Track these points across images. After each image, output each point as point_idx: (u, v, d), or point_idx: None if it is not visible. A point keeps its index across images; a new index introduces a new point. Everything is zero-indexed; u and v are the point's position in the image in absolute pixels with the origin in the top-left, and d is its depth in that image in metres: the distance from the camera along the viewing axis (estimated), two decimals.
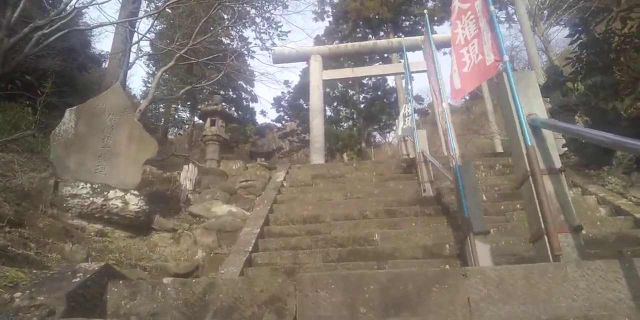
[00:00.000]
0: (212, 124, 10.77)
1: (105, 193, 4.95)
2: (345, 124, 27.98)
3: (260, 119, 28.74)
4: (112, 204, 4.91)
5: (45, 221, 4.37)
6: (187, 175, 6.59)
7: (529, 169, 2.44)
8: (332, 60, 17.29)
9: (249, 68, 24.06)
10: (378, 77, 24.76)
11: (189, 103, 23.95)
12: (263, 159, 11.17)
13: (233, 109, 26.74)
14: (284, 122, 28.89)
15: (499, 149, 17.19)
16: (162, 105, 24.14)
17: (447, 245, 4.65)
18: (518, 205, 5.68)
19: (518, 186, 2.60)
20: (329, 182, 7.31)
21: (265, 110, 41.72)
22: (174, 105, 25.19)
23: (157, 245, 5.08)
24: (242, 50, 21.52)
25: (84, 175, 5.09)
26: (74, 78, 13.85)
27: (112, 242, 4.76)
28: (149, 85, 25.05)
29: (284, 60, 12.83)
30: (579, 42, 7.09)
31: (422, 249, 4.65)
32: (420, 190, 6.33)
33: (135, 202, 5.04)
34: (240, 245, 4.89)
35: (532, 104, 2.62)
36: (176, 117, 26.13)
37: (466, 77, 3.17)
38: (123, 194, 5.04)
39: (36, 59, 12.23)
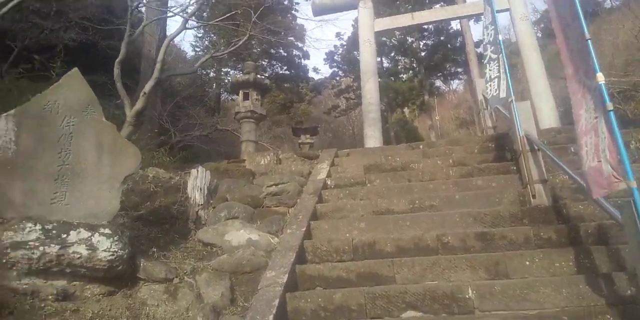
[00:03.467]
0: (245, 97, 9.03)
1: (64, 236, 3.41)
2: (405, 76, 25.23)
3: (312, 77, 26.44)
4: (72, 252, 3.38)
5: None
6: (196, 184, 4.95)
7: None
8: (385, 6, 14.66)
9: (297, 23, 21.86)
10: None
11: (239, 66, 22.36)
12: (308, 136, 9.37)
13: (285, 68, 24.87)
14: (338, 78, 26.71)
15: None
16: (212, 70, 22.84)
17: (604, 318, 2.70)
18: None
19: None
20: (387, 178, 5.38)
21: (317, 67, 39.42)
22: (224, 69, 23.77)
23: (145, 304, 3.55)
24: (278, 4, 19.24)
25: (36, 209, 3.57)
26: (103, 52, 12.45)
27: (76, 311, 3.27)
28: (197, 49, 23.54)
29: (326, 11, 10.59)
30: None
31: None
32: (526, 195, 4.27)
33: (106, 246, 3.48)
34: (257, 311, 3.22)
35: None
36: (226, 81, 24.71)
37: None
38: (89, 234, 3.49)
39: (50, 33, 10.94)
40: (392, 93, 21.97)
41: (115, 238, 3.56)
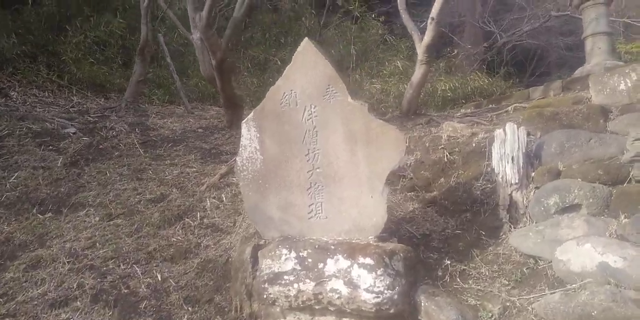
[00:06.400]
0: None
1: (320, 266, 2.67)
2: None
3: None
4: (330, 290, 2.60)
5: None
6: (505, 151, 3.27)
7: None
8: None
9: None
10: None
11: None
12: None
13: None
14: None
15: None
16: None
17: None
18: None
19: None
20: None
21: None
22: None
23: None
24: None
25: (296, 226, 2.98)
26: None
27: None
28: None
29: None
30: None
31: None
32: None
33: (369, 284, 2.53)
34: None
35: None
36: None
37: None
38: (348, 264, 2.62)
39: None
40: None
41: (379, 271, 2.55)
